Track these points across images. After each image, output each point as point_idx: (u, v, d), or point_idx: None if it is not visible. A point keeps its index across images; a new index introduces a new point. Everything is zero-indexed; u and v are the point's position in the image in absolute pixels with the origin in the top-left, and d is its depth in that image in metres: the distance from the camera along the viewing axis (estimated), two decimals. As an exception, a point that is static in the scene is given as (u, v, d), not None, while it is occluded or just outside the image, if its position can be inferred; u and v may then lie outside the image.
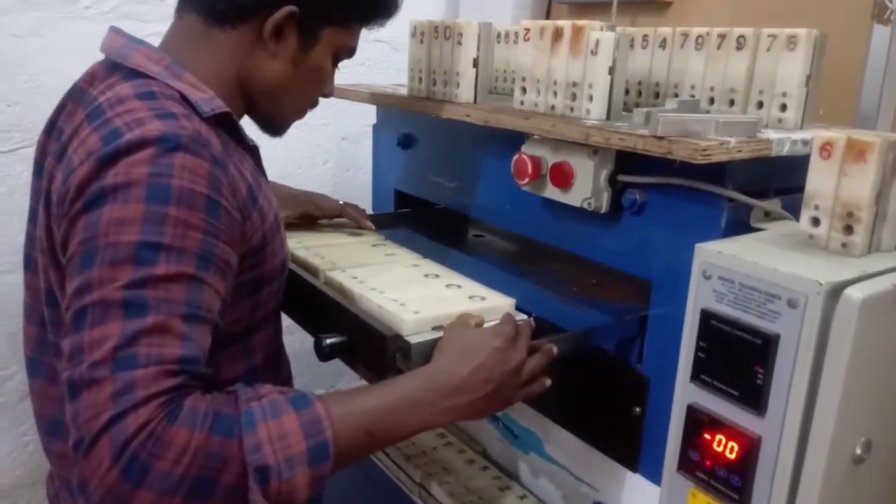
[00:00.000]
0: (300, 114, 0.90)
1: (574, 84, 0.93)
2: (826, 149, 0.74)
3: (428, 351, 0.77)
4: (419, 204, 1.37)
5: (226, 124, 0.78)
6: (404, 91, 1.24)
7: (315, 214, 1.21)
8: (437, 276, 0.97)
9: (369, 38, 1.77)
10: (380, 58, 1.75)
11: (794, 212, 0.89)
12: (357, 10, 0.86)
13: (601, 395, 1.02)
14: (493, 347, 0.76)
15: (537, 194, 1.01)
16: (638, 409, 0.96)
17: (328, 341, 0.77)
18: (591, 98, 0.92)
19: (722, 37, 0.94)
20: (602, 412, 1.02)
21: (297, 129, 1.68)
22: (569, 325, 1.06)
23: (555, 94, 0.96)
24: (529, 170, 0.98)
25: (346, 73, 1.80)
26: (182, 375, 0.63)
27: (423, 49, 1.13)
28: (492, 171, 1.14)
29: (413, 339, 0.79)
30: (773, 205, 0.88)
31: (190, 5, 0.81)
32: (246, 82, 0.83)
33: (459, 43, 1.06)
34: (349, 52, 0.88)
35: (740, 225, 0.85)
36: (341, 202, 1.24)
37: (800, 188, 0.93)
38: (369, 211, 1.51)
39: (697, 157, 0.75)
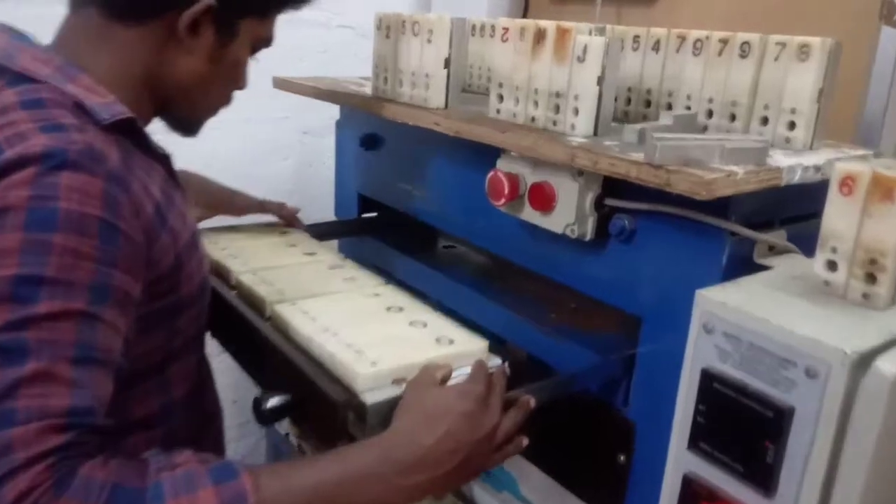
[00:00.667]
0: (214, 111, 0.83)
1: (558, 94, 0.82)
2: (847, 184, 0.64)
3: (386, 412, 0.67)
4: (385, 208, 1.25)
5: (130, 132, 0.69)
6: (370, 87, 1.12)
7: (232, 213, 1.14)
8: (401, 308, 0.86)
9: (333, 25, 1.65)
10: (345, 45, 1.62)
11: (801, 242, 0.80)
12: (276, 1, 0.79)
13: (582, 438, 0.92)
14: (462, 412, 0.65)
15: (514, 215, 0.90)
16: (623, 457, 0.86)
17: (269, 405, 0.66)
18: (576, 111, 0.80)
19: (724, 42, 0.83)
20: (583, 457, 0.92)
21: (253, 123, 1.57)
22: (547, 357, 0.96)
23: (535, 104, 0.85)
24: (506, 189, 0.87)
25: (308, 63, 1.68)
26: (72, 431, 0.54)
27: (390, 45, 1.01)
28: (464, 182, 1.02)
29: (369, 398, 0.68)
30: (779, 237, 0.78)
31: None
32: (157, 83, 0.74)
33: (429, 41, 0.94)
34: (267, 42, 0.81)
35: (743, 260, 0.75)
36: (260, 199, 1.17)
37: (807, 216, 0.84)
38: (331, 215, 1.39)
39: (701, 192, 0.65)
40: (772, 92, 0.81)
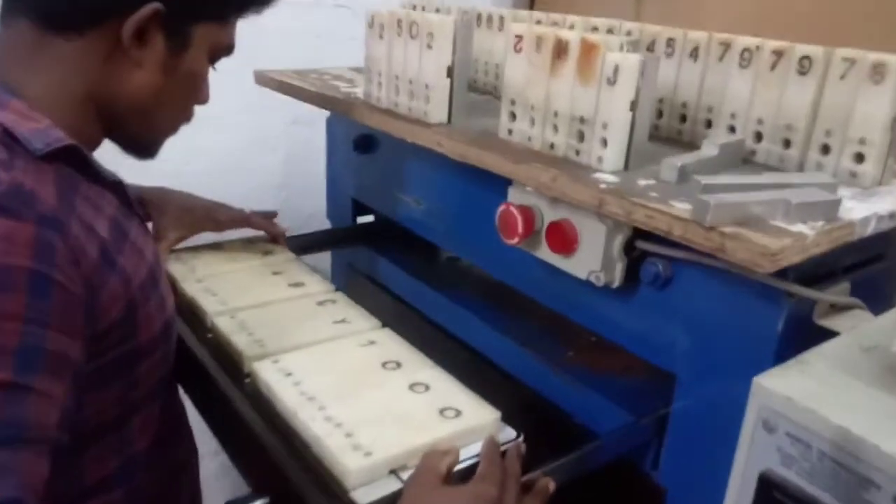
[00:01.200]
0: (173, 130, 0.74)
1: (582, 119, 0.69)
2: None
3: (382, 515, 0.56)
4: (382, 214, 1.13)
5: (72, 160, 0.62)
6: (362, 83, 0.99)
7: (215, 230, 1.02)
8: (398, 364, 0.75)
9: (328, 4, 1.50)
10: (339, 26, 1.47)
11: (866, 290, 0.68)
12: (233, 2, 0.71)
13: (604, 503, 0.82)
14: None
15: (530, 252, 0.78)
16: (651, 529, 0.76)
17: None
18: (604, 142, 0.68)
19: (778, 54, 0.70)
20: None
21: (240, 113, 1.43)
22: (564, 404, 0.86)
23: (555, 128, 0.72)
24: (520, 228, 0.74)
25: (299, 46, 1.53)
26: None
27: (384, 47, 0.87)
28: (471, 203, 0.90)
29: (362, 497, 0.58)
30: (843, 291, 0.67)
31: (18, 9, 0.63)
32: (104, 100, 0.66)
33: (430, 46, 0.80)
34: (227, 50, 0.73)
35: (801, 322, 0.64)
36: (247, 211, 1.06)
37: (872, 260, 0.73)
38: (324, 221, 1.27)
39: (765, 265, 0.53)
40: (836, 117, 0.68)
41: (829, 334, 0.64)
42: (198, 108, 0.74)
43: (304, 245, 1.14)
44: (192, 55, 0.68)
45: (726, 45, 0.75)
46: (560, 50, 0.69)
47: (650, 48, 0.82)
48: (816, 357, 0.59)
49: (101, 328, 0.60)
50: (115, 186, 0.68)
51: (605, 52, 0.66)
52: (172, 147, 0.76)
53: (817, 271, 0.65)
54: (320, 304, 0.88)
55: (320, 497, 0.56)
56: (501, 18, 1.01)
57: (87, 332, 0.58)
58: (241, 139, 1.45)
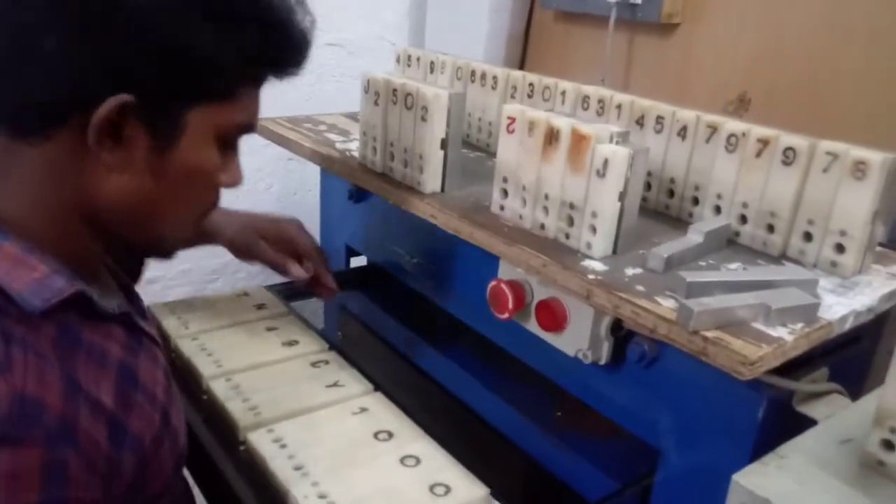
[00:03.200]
0: (187, 230, 0.62)
1: (572, 206, 0.71)
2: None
3: None
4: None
5: (73, 303, 0.54)
6: (356, 137, 1.01)
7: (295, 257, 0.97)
8: (390, 435, 0.77)
9: (320, 43, 1.51)
10: (331, 64, 1.49)
11: (845, 372, 0.71)
12: (235, 73, 0.56)
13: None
14: None
15: (520, 324, 0.80)
16: None
17: None
18: (593, 229, 0.70)
19: (764, 143, 0.73)
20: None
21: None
22: (551, 465, 0.88)
23: (545, 210, 0.74)
24: (510, 304, 0.76)
25: (293, 85, 1.54)
26: None
27: (379, 114, 0.89)
28: (463, 268, 0.92)
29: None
30: (821, 376, 0.69)
31: None
32: (87, 211, 0.55)
33: (424, 119, 0.82)
34: (245, 128, 0.60)
35: (781, 408, 0.66)
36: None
37: (849, 343, 0.75)
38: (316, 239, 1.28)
39: (744, 372, 0.55)
40: (818, 208, 0.70)
41: (806, 421, 0.67)
42: None
43: (297, 289, 1.15)
44: (186, 147, 0.55)
45: (713, 129, 0.77)
46: (551, 136, 0.71)
47: (640, 122, 0.84)
48: (794, 451, 0.61)
49: (112, 495, 0.53)
50: (121, 318, 0.60)
51: (596, 145, 0.67)
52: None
53: (797, 359, 0.67)
54: (314, 364, 0.89)
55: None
56: (495, 78, 1.03)
57: None
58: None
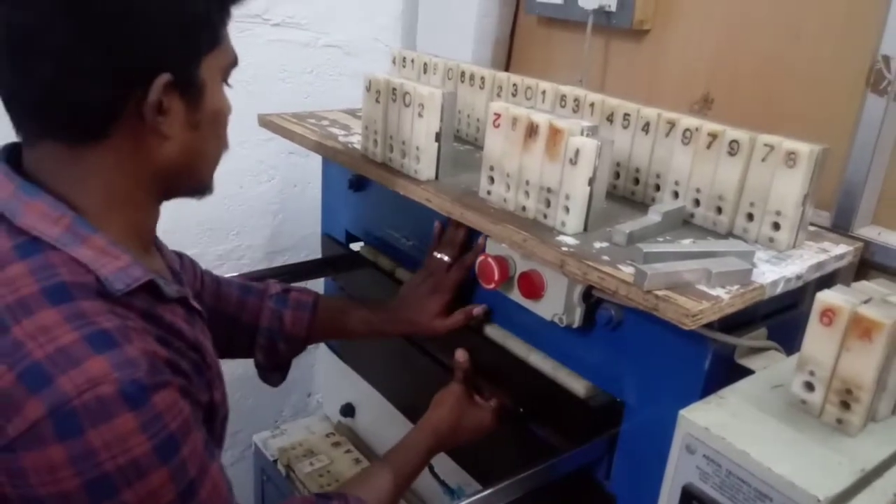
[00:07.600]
0: (218, 162, 0.74)
1: (549, 190, 0.83)
2: (827, 315, 0.66)
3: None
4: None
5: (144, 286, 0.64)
6: (357, 130, 1.12)
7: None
8: None
9: (319, 44, 1.62)
10: (330, 64, 1.60)
11: (782, 334, 0.83)
12: (220, 20, 0.66)
13: (562, 508, 0.96)
14: None
15: (504, 294, 0.92)
16: (603, 531, 0.90)
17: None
18: (567, 210, 0.82)
19: (713, 136, 0.85)
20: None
21: (239, 145, 1.55)
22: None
23: (526, 194, 0.86)
24: (496, 275, 0.88)
25: (294, 82, 1.65)
26: None
27: (380, 110, 1.00)
28: (453, 246, 1.04)
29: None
30: (760, 336, 0.81)
31: (36, 135, 0.63)
32: (151, 181, 0.66)
33: (420, 115, 0.94)
34: (234, 63, 0.71)
35: (725, 361, 0.78)
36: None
37: (787, 308, 0.87)
38: (317, 240, 1.39)
39: (687, 322, 0.67)
40: (758, 192, 0.82)
41: (747, 372, 0.79)
42: None
43: (300, 272, 1.27)
44: (209, 96, 0.66)
45: (672, 124, 0.89)
46: (531, 130, 0.83)
47: (609, 119, 0.96)
48: (732, 393, 0.73)
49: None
50: (180, 301, 0.70)
51: (569, 137, 0.79)
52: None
53: (739, 319, 0.79)
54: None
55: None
56: (483, 78, 1.14)
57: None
58: (239, 170, 1.56)
